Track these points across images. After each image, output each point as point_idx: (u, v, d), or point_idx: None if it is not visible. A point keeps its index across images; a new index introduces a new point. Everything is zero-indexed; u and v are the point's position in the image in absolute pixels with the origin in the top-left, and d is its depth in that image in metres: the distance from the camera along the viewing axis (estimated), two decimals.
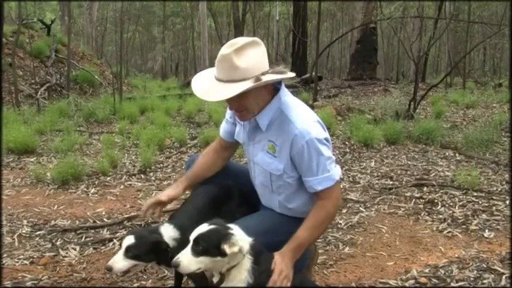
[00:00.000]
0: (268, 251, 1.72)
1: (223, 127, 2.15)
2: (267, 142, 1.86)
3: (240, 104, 1.77)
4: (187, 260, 1.53)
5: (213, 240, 1.51)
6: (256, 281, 1.58)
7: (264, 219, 1.94)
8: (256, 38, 1.76)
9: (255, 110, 1.80)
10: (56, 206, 3.46)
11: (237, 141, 2.10)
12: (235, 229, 1.60)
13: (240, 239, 1.57)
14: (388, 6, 10.35)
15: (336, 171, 1.83)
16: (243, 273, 1.57)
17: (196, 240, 1.54)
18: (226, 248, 1.50)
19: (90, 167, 4.44)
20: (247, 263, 1.58)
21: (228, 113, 2.10)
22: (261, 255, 1.64)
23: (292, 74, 1.81)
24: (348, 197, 3.57)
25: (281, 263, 1.69)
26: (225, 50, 1.71)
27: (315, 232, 1.81)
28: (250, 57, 1.71)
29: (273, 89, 1.85)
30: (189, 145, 5.50)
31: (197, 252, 1.52)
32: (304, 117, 1.81)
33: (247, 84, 1.67)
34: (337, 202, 1.85)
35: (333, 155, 1.87)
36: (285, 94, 1.87)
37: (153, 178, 4.26)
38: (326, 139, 1.83)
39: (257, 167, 1.95)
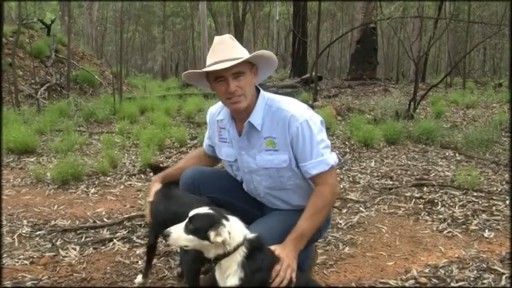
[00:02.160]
0: None
1: (206, 143, 2.22)
2: (263, 141, 1.88)
3: (238, 85, 1.80)
4: (177, 234, 1.58)
5: (204, 224, 1.55)
6: (247, 276, 1.57)
7: (278, 220, 1.93)
8: None
9: (248, 97, 1.83)
10: (56, 206, 3.46)
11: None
12: (232, 220, 1.60)
13: (234, 231, 1.57)
14: (388, 6, 10.36)
15: (331, 157, 1.85)
16: (233, 265, 1.58)
17: (191, 218, 1.58)
18: (212, 235, 1.53)
19: (90, 167, 4.44)
20: (239, 256, 1.58)
21: (209, 134, 2.16)
22: (259, 252, 1.62)
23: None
24: (348, 197, 3.56)
25: (282, 253, 1.70)
26: (220, 37, 1.85)
27: (315, 220, 1.82)
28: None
29: (256, 89, 1.91)
30: (189, 145, 5.50)
31: (189, 229, 1.57)
32: (294, 104, 1.88)
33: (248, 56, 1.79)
34: (334, 189, 1.86)
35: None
36: (266, 93, 1.94)
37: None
38: (321, 122, 1.88)
39: (257, 174, 1.95)
